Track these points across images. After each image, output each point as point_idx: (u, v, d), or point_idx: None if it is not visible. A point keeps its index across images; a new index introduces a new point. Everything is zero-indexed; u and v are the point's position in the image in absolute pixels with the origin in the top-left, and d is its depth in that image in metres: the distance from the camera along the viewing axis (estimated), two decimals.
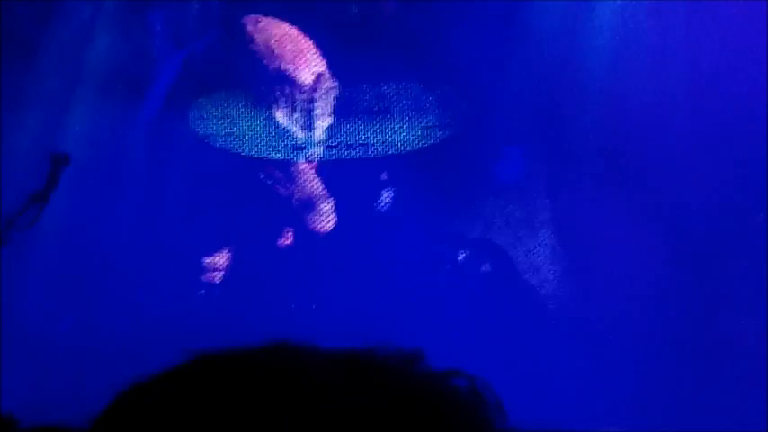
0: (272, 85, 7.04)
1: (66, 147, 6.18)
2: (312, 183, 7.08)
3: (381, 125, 6.99)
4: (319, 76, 7.07)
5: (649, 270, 6.58)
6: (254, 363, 1.00)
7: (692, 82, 6.70)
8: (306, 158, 7.09)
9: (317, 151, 7.09)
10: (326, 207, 7.04)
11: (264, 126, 7.06)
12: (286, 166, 7.07)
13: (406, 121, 6.99)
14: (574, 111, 6.83)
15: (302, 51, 7.10)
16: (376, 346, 1.03)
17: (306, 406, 0.95)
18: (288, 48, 7.07)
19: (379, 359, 1.01)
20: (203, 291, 6.99)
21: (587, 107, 6.82)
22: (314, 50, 7.09)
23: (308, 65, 7.08)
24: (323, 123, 7.09)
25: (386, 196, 7.06)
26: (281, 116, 7.05)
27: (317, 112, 7.05)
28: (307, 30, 7.09)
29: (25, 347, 6.58)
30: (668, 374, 6.47)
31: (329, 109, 7.08)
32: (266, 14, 7.13)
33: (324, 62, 7.08)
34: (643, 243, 6.62)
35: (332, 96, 7.07)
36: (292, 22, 7.10)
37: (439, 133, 6.95)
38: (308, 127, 7.07)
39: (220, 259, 7.02)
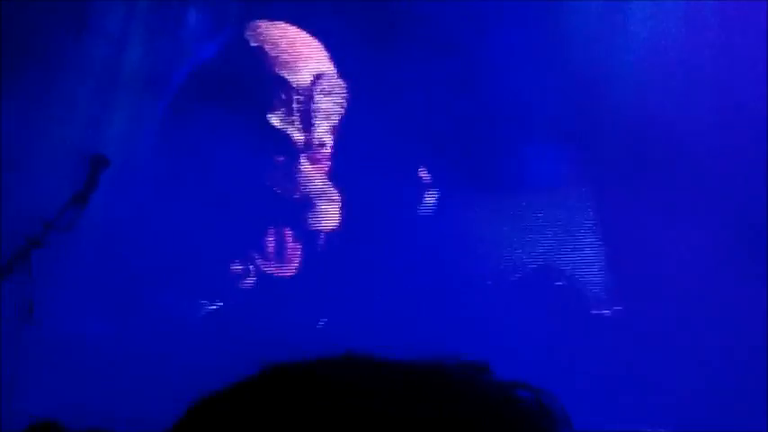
0: (274, 86, 7.04)
1: (101, 149, 6.20)
2: (314, 182, 7.05)
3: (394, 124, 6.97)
4: (318, 76, 7.06)
5: (690, 271, 6.53)
6: (326, 375, 1.01)
7: (724, 79, 6.68)
8: (309, 159, 7.08)
9: (322, 151, 7.07)
10: (329, 206, 7.01)
11: (269, 127, 7.04)
12: (286, 167, 7.05)
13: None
14: (613, 113, 6.80)
15: (301, 54, 7.09)
16: (443, 357, 1.03)
17: (379, 417, 0.96)
18: (285, 50, 7.07)
19: (448, 371, 1.02)
20: (232, 296, 6.98)
21: (627, 108, 6.78)
22: (319, 52, 7.08)
23: (306, 65, 7.07)
24: (326, 123, 7.07)
25: (425, 197, 7.03)
26: (281, 117, 7.04)
27: (316, 113, 7.04)
28: (326, 32, 7.09)
29: (59, 350, 6.58)
30: (719, 376, 6.41)
31: (333, 109, 7.07)
32: (275, 17, 7.14)
33: (331, 64, 7.07)
34: (684, 245, 6.57)
35: (337, 97, 7.06)
36: (307, 24, 7.11)
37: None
38: (309, 127, 7.05)
39: (247, 263, 7.00)
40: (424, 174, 7.03)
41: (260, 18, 7.14)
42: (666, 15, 6.90)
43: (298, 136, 7.04)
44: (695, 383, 6.42)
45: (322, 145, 7.06)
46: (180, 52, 7.15)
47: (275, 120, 6.99)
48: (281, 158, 7.06)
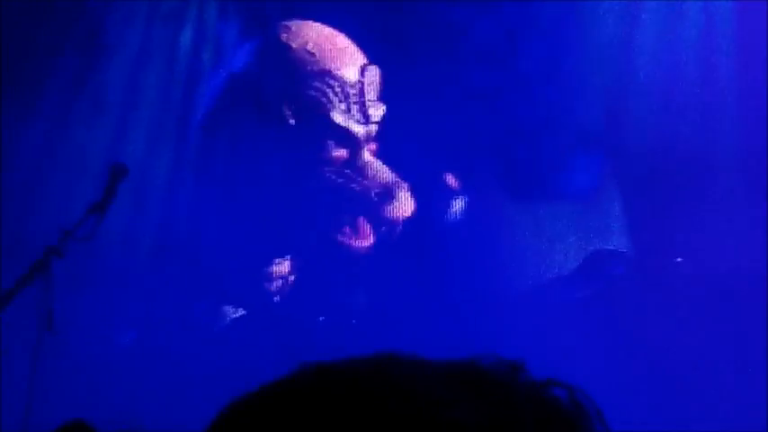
0: (320, 85, 7.03)
1: (124, 158, 6.20)
2: (383, 172, 7.05)
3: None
4: (364, 68, 7.06)
5: (716, 280, 6.51)
6: (364, 373, 0.99)
7: (747, 89, 6.66)
8: (369, 151, 7.08)
9: (375, 143, 7.08)
10: (403, 194, 7.02)
11: (322, 126, 7.04)
12: (353, 162, 7.05)
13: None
14: (640, 123, 6.78)
15: (342, 48, 7.09)
16: (480, 355, 1.01)
17: (422, 417, 0.94)
18: (327, 47, 7.06)
19: (487, 369, 1.00)
20: (277, 298, 6.97)
21: (654, 119, 6.76)
22: (351, 44, 7.08)
23: (350, 59, 7.07)
24: (377, 113, 7.08)
25: (452, 203, 7.02)
26: (336, 114, 7.03)
27: (369, 103, 7.04)
28: (357, 40, 7.10)
29: (83, 360, 6.58)
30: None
31: (379, 99, 7.07)
32: (301, 18, 7.15)
33: (364, 55, 7.07)
34: (710, 254, 6.54)
35: (379, 87, 7.06)
36: (328, 22, 7.12)
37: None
38: (365, 120, 7.06)
39: (285, 266, 7.00)
40: (451, 180, 7.02)
41: (289, 20, 7.14)
42: (691, 26, 6.89)
43: (359, 129, 7.05)
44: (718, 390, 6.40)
45: (375, 137, 7.08)
46: (206, 61, 7.17)
47: (337, 116, 7.00)
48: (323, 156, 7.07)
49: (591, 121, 6.90)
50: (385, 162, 7.07)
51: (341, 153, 7.03)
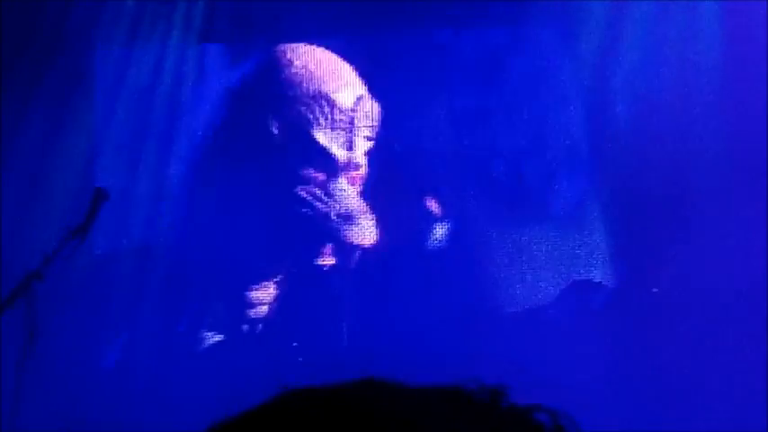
0: (313, 105, 7.04)
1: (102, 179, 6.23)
2: (353, 200, 7.05)
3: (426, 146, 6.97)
4: (360, 98, 7.08)
5: (706, 300, 6.52)
6: (347, 399, 0.99)
7: (735, 100, 6.68)
8: (347, 178, 7.08)
9: (359, 171, 7.08)
10: (368, 223, 7.01)
11: (306, 146, 7.04)
12: (328, 185, 7.05)
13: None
14: (626, 141, 6.79)
15: (341, 73, 7.10)
16: (463, 381, 1.02)
17: None
18: (327, 69, 7.08)
19: (467, 396, 1.00)
20: (247, 325, 6.96)
21: (640, 136, 6.77)
22: (353, 72, 7.10)
23: (348, 86, 7.08)
24: (364, 144, 7.08)
25: (437, 225, 7.02)
26: (322, 136, 7.04)
27: (357, 132, 7.05)
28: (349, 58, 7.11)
29: (68, 383, 6.57)
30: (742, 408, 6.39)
31: (370, 130, 7.08)
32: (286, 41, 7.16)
33: (364, 84, 7.09)
34: (699, 273, 6.55)
35: (373, 118, 7.07)
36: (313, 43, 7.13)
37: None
38: (350, 146, 7.06)
39: (266, 290, 6.99)
40: (434, 204, 7.03)
41: (275, 44, 7.15)
42: (678, 43, 6.91)
43: (340, 155, 7.05)
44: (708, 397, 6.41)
45: (359, 166, 7.07)
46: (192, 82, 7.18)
47: (320, 136, 7.00)
48: (314, 176, 7.06)
49: (577, 143, 6.91)
50: (367, 182, 7.07)
51: (318, 174, 7.03)
